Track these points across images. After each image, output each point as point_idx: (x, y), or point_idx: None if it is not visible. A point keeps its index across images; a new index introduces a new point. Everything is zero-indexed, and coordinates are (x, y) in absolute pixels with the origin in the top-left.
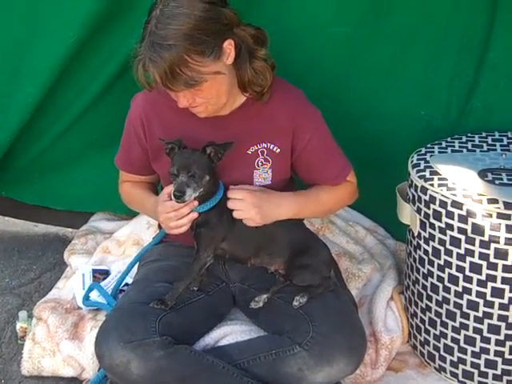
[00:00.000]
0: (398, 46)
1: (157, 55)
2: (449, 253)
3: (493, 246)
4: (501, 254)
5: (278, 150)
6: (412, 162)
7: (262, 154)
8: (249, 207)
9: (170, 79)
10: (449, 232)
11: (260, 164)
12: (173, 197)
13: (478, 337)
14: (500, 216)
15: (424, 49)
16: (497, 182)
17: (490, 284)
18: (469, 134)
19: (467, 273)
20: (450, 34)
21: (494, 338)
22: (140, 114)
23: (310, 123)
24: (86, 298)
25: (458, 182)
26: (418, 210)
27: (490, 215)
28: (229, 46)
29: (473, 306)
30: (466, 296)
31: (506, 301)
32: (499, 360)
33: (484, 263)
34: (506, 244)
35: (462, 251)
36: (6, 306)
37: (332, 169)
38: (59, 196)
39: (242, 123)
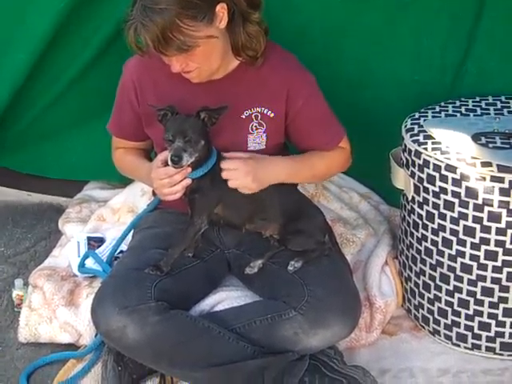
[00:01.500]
0: (391, 11)
1: (148, 20)
2: (443, 216)
3: (486, 209)
4: (494, 217)
5: (272, 115)
6: (406, 126)
7: (256, 118)
8: (243, 175)
9: (163, 44)
10: (443, 196)
11: (254, 128)
12: (170, 162)
13: (471, 299)
14: (493, 179)
15: (417, 14)
16: (490, 145)
17: (483, 247)
18: (462, 99)
19: (461, 236)
20: None
21: (487, 300)
22: (132, 78)
23: (304, 88)
24: (82, 265)
25: (452, 145)
26: (412, 175)
27: (484, 178)
28: (222, 9)
29: (466, 268)
30: (459, 259)
31: (499, 263)
32: (493, 322)
33: (477, 226)
34: (499, 207)
35: (455, 215)
36: (1, 274)
37: (325, 134)
38: (53, 165)
39: (236, 88)
